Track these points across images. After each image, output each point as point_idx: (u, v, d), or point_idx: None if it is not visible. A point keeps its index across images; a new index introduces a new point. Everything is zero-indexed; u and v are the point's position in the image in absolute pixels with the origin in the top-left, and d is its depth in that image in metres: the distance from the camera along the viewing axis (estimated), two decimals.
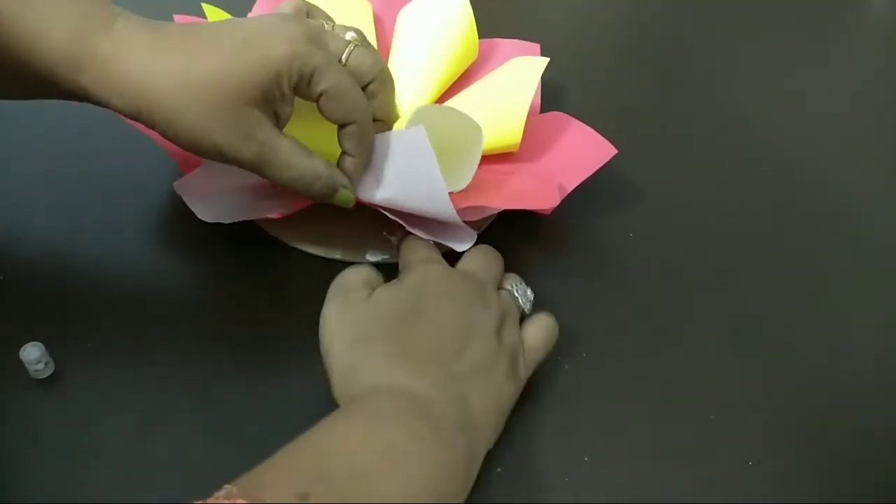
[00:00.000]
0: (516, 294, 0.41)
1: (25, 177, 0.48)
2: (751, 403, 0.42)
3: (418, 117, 0.44)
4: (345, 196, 0.42)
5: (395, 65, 0.54)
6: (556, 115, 0.52)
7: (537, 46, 0.56)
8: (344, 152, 0.42)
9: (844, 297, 0.47)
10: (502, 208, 0.44)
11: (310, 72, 0.38)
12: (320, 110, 0.41)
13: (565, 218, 0.44)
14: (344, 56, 0.42)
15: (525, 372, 0.39)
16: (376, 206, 0.44)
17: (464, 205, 0.43)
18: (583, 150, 0.49)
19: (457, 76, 0.54)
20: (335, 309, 0.38)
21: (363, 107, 0.41)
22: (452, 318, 0.38)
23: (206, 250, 0.46)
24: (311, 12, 0.46)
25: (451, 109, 0.45)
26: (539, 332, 0.40)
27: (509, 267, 0.43)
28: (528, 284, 0.42)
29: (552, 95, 0.54)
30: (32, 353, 0.38)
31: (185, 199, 0.44)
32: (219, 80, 0.37)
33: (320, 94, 0.39)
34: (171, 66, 0.37)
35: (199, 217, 0.43)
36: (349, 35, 0.43)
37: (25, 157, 0.49)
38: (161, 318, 0.42)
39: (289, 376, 0.41)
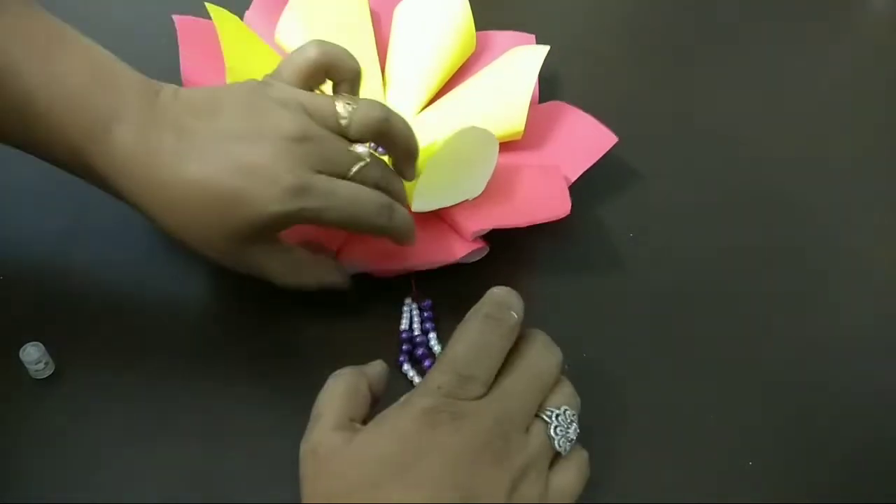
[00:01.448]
0: (554, 433, 0.32)
1: (25, 177, 0.48)
2: (751, 403, 0.42)
3: (447, 147, 0.43)
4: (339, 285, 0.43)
5: (393, 61, 0.54)
6: (555, 105, 0.52)
7: (532, 37, 0.56)
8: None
9: (846, 297, 0.47)
10: (517, 226, 0.44)
11: (304, 220, 0.38)
12: None
13: (566, 217, 0.44)
14: (352, 171, 0.39)
15: None
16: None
17: (477, 226, 0.43)
18: (584, 139, 0.50)
19: (455, 70, 0.54)
20: (304, 458, 0.31)
21: (379, 211, 0.39)
22: (439, 486, 0.29)
23: None
24: (332, 69, 0.41)
25: (470, 129, 0.44)
26: (574, 476, 0.32)
27: (509, 267, 0.42)
28: (575, 413, 0.33)
29: (547, 87, 0.54)
30: (32, 353, 0.38)
31: None
32: (206, 223, 0.37)
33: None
34: (161, 194, 0.37)
35: None
36: (360, 149, 0.40)
37: (25, 156, 0.49)
38: (161, 318, 0.42)
39: (289, 376, 0.41)
